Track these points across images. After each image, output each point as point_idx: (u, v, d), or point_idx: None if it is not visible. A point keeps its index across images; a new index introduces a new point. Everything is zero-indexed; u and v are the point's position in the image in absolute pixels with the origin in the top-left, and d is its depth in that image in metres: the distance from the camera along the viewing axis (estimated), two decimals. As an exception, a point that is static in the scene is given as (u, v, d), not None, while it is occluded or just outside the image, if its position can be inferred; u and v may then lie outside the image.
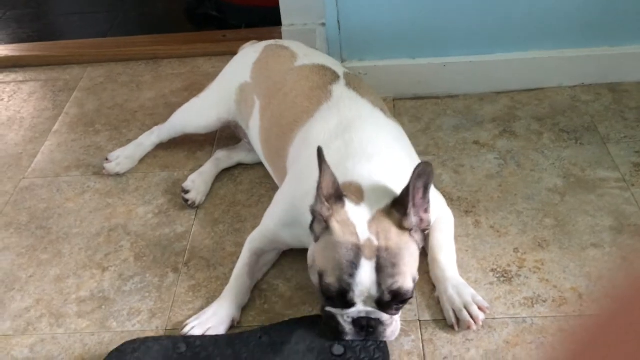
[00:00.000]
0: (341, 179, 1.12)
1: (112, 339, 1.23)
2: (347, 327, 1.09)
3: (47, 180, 1.67)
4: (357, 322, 1.08)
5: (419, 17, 1.77)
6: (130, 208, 1.56)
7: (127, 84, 2.06)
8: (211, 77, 1.73)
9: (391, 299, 1.07)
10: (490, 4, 1.74)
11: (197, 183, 1.56)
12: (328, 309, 1.10)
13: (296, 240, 1.27)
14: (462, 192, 1.51)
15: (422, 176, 1.07)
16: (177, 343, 1.15)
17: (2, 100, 2.03)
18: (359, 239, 1.06)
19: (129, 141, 1.73)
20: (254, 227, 1.35)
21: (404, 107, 1.84)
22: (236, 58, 1.68)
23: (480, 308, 1.17)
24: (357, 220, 1.08)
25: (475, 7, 1.75)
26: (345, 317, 1.09)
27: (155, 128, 1.73)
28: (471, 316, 1.16)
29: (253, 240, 1.32)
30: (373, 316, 1.08)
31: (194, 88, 1.92)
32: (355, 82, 1.43)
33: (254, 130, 1.53)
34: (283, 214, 1.27)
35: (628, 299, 0.37)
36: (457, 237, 1.34)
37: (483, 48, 1.81)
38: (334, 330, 1.10)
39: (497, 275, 1.29)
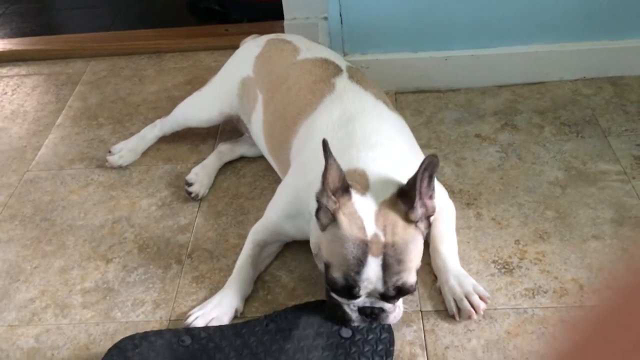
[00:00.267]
0: (345, 166, 1.13)
1: (117, 329, 1.24)
2: (353, 315, 1.11)
3: (51, 173, 1.68)
4: (362, 310, 1.11)
5: (421, 11, 1.78)
6: (134, 200, 1.57)
7: (130, 77, 2.06)
8: (213, 71, 1.73)
9: (395, 294, 1.09)
10: (492, -2, 1.75)
11: (200, 176, 1.57)
12: (334, 296, 1.12)
13: (299, 232, 1.28)
14: (463, 185, 1.52)
15: (428, 168, 1.08)
16: (181, 336, 1.13)
17: (6, 94, 2.04)
18: (366, 234, 1.06)
19: (132, 134, 1.74)
20: (256, 220, 1.36)
21: (405, 100, 1.84)
22: (238, 52, 1.69)
23: (481, 298, 1.18)
24: (364, 214, 1.08)
25: (476, 1, 1.75)
26: (351, 306, 1.11)
27: (158, 121, 1.74)
28: (472, 306, 1.17)
29: (256, 232, 1.33)
30: (377, 305, 1.10)
31: (197, 82, 1.93)
32: (357, 75, 1.44)
33: (256, 124, 1.53)
34: (286, 205, 1.28)
35: (629, 291, 0.37)
36: (458, 229, 1.35)
37: (485, 42, 1.81)
38: (339, 317, 1.12)
39: (498, 267, 1.30)
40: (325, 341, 1.11)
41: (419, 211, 1.08)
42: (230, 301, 1.24)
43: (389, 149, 1.21)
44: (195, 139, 1.74)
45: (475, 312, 1.17)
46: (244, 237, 1.35)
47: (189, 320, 1.21)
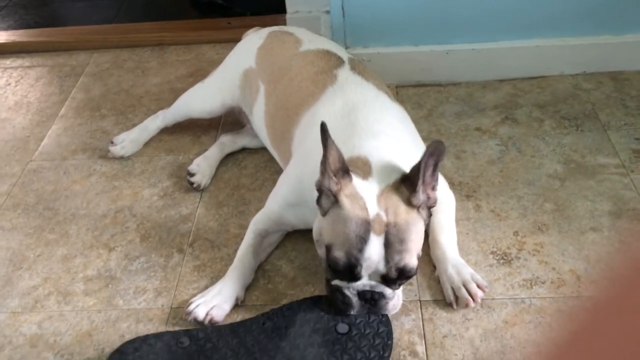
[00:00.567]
0: (348, 154, 1.14)
1: (119, 316, 1.26)
2: (353, 300, 1.11)
3: (54, 163, 1.70)
4: (361, 294, 1.11)
5: (423, 5, 1.78)
6: (136, 190, 1.58)
7: (133, 69, 2.08)
8: (216, 63, 1.74)
9: (397, 276, 1.09)
10: (493, -8, 1.76)
11: (202, 166, 1.58)
12: (334, 282, 1.12)
13: (301, 221, 1.29)
14: (463, 177, 1.53)
15: (434, 154, 1.08)
16: (179, 337, 1.14)
17: (10, 85, 2.06)
18: (368, 213, 1.07)
19: (134, 126, 1.75)
20: (257, 210, 1.38)
21: (406, 94, 1.85)
22: (240, 44, 1.70)
23: (479, 286, 1.19)
24: (366, 195, 1.09)
25: (478, -6, 1.76)
26: (351, 290, 1.11)
27: (160, 112, 1.75)
28: (470, 294, 1.18)
29: (257, 222, 1.34)
30: (377, 289, 1.10)
31: (199, 74, 1.94)
32: (359, 67, 1.45)
33: (258, 115, 1.55)
34: (288, 194, 1.29)
35: (625, 281, 0.38)
36: (457, 221, 1.36)
37: (486, 36, 1.82)
38: (339, 304, 1.12)
39: (497, 258, 1.32)
40: (322, 338, 1.11)
41: (421, 196, 1.09)
42: (231, 289, 1.25)
43: (391, 137, 1.22)
44: (197, 130, 1.75)
45: (473, 300, 1.18)
46: (244, 227, 1.36)
47: (190, 307, 1.22)
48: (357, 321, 1.12)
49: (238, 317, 1.23)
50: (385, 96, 1.36)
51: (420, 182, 1.08)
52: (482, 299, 1.21)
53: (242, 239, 1.34)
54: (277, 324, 1.15)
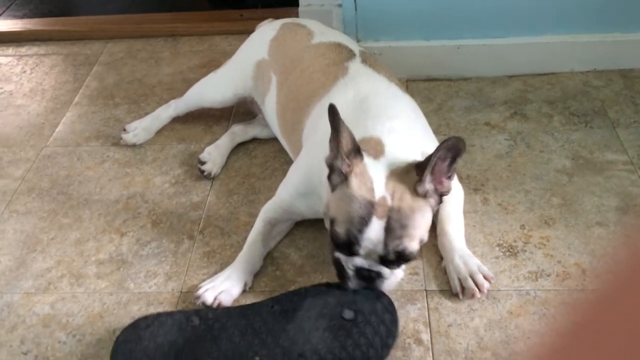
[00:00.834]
0: (361, 134, 1.15)
1: (130, 299, 1.28)
2: (350, 274, 1.13)
3: (67, 149, 1.72)
4: (359, 271, 1.13)
5: (434, 0, 1.79)
6: (148, 177, 1.60)
7: (146, 59, 2.10)
8: (228, 55, 1.76)
9: (395, 258, 1.10)
10: (505, -12, 1.77)
11: (214, 155, 1.60)
12: (336, 254, 1.15)
13: (311, 211, 1.31)
14: (471, 171, 1.54)
15: (452, 150, 1.08)
16: (190, 317, 1.17)
17: (25, 72, 2.09)
18: (374, 196, 1.09)
19: (147, 114, 1.78)
20: (267, 199, 1.39)
21: (416, 88, 1.87)
22: (254, 35, 1.71)
23: (485, 277, 1.21)
24: (375, 176, 1.10)
25: (490, -10, 1.77)
26: (349, 264, 1.13)
27: (172, 102, 1.77)
28: (476, 285, 1.20)
29: (267, 211, 1.36)
30: (374, 268, 1.12)
31: (211, 65, 1.96)
32: (370, 60, 1.46)
33: (269, 105, 1.57)
34: (299, 184, 1.31)
35: (629, 274, 0.38)
36: (465, 213, 1.37)
37: (497, 31, 1.83)
38: (339, 275, 1.15)
39: (503, 250, 1.33)
40: (328, 322, 1.13)
41: (427, 185, 1.10)
42: (240, 275, 1.27)
43: (404, 122, 1.23)
44: (209, 120, 1.78)
45: (479, 290, 1.20)
46: (254, 215, 1.38)
47: (199, 292, 1.25)
48: (363, 308, 1.14)
49: (246, 303, 1.25)
50: (397, 87, 1.38)
51: (428, 171, 1.09)
52: (488, 290, 1.22)
53: (251, 226, 1.36)
54: (285, 308, 1.17)
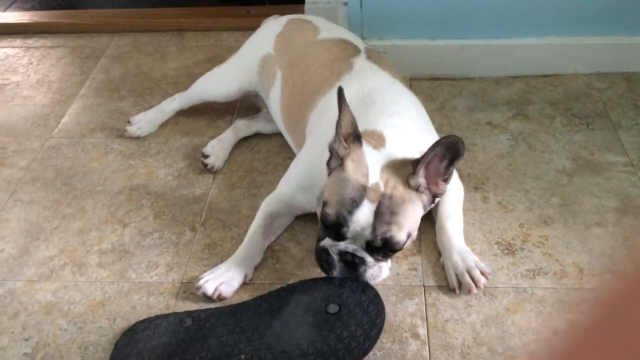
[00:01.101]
0: (364, 127, 1.17)
1: (131, 289, 1.30)
2: (335, 259, 1.14)
3: (72, 141, 1.74)
4: (343, 254, 1.14)
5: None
6: (151, 170, 1.62)
7: (152, 53, 2.12)
8: (233, 50, 1.77)
9: (381, 246, 1.12)
10: (510, -11, 1.78)
11: (217, 149, 1.62)
12: (322, 243, 1.16)
13: (312, 205, 1.32)
14: (472, 169, 1.55)
15: (451, 149, 1.10)
16: (184, 318, 1.19)
17: (32, 64, 2.10)
18: (368, 180, 1.11)
19: (151, 107, 1.79)
20: (269, 193, 1.41)
21: (420, 87, 1.88)
22: (259, 30, 1.73)
23: (482, 273, 1.22)
24: (371, 163, 1.13)
25: (495, -10, 1.78)
26: (334, 249, 1.14)
27: (177, 95, 1.79)
28: (473, 280, 1.21)
29: (268, 204, 1.37)
30: (358, 254, 1.14)
31: (217, 60, 1.97)
32: (375, 56, 1.48)
33: (274, 99, 1.58)
34: (301, 177, 1.32)
35: (629, 275, 0.39)
36: (465, 211, 1.38)
37: (501, 32, 1.84)
38: (323, 263, 1.17)
39: (502, 248, 1.34)
40: (313, 317, 1.15)
41: (419, 179, 1.12)
42: (240, 267, 1.29)
43: (406, 119, 1.25)
44: (213, 114, 1.79)
45: (476, 286, 1.21)
46: (255, 209, 1.39)
47: (200, 282, 1.26)
48: (348, 301, 1.15)
49: (246, 294, 1.27)
50: (401, 84, 1.39)
51: (422, 164, 1.10)
52: (485, 287, 1.23)
53: (252, 220, 1.37)
54: (272, 305, 1.19)
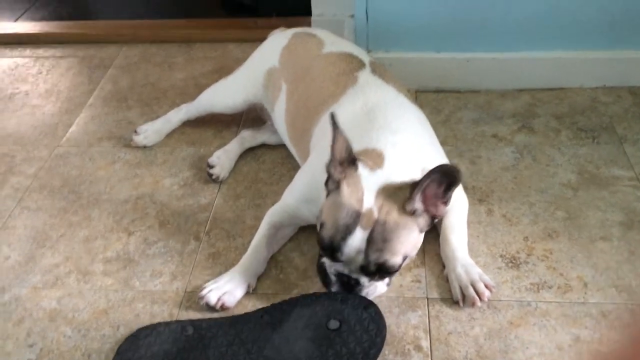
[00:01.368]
0: (364, 145, 1.18)
1: (135, 297, 1.30)
2: (333, 278, 1.18)
3: (80, 149, 1.75)
4: (339, 276, 1.17)
5: (446, 12, 1.82)
6: (157, 179, 1.63)
7: (160, 64, 2.14)
8: (241, 62, 1.79)
9: (376, 270, 1.14)
10: (516, 3, 1.78)
11: (222, 159, 1.63)
12: (322, 259, 1.18)
13: (315, 217, 1.32)
14: (477, 182, 1.55)
15: (447, 176, 1.10)
16: (186, 326, 1.20)
17: (41, 73, 2.13)
18: (362, 206, 1.11)
19: (158, 117, 1.81)
20: (273, 204, 1.41)
21: (425, 99, 1.88)
22: (265, 43, 1.74)
23: (486, 286, 1.22)
24: (367, 187, 1.13)
25: (501, 4, 1.79)
26: (332, 269, 1.17)
27: (184, 106, 1.80)
28: (477, 293, 1.21)
29: (272, 214, 1.38)
30: (353, 276, 1.16)
31: (224, 71, 1.98)
32: (380, 70, 1.48)
33: (279, 112, 1.59)
34: (305, 189, 1.33)
35: None
36: (469, 224, 1.38)
37: (507, 45, 1.85)
38: (322, 280, 1.20)
39: (506, 261, 1.34)
40: (313, 332, 1.15)
41: (416, 204, 1.12)
42: (243, 277, 1.29)
43: (409, 136, 1.25)
44: (219, 125, 1.80)
45: (480, 299, 1.20)
46: (260, 219, 1.40)
47: (204, 292, 1.26)
48: (349, 318, 1.16)
49: (249, 304, 1.27)
50: (405, 98, 1.39)
51: (418, 191, 1.11)
52: (489, 300, 1.23)
53: (257, 230, 1.37)
54: (273, 318, 1.19)
